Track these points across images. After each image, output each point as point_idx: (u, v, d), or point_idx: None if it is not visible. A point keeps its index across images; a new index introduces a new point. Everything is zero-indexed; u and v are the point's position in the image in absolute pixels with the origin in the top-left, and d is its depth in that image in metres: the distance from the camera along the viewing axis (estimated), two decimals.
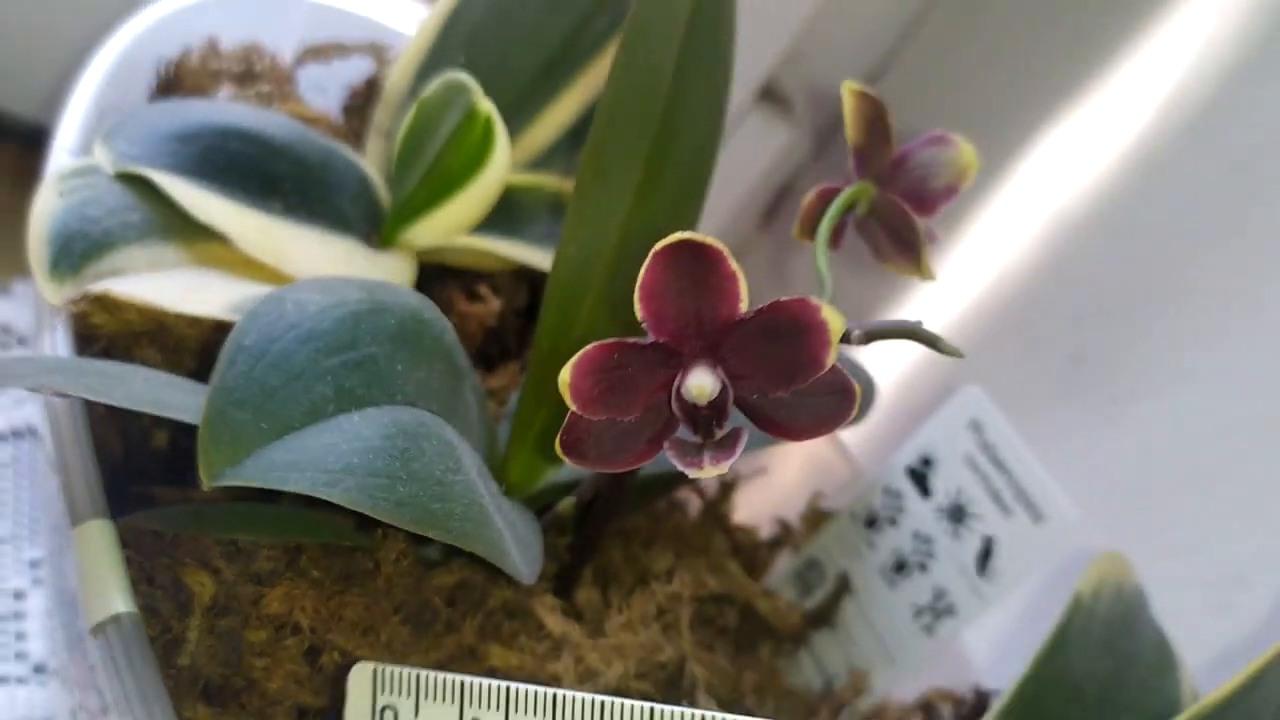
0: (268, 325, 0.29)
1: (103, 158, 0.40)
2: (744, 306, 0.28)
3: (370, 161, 0.51)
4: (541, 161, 0.54)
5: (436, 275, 0.51)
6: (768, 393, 0.29)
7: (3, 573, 0.55)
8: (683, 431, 0.30)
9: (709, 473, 0.28)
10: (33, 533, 0.58)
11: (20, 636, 0.54)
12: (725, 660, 0.41)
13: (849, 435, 0.52)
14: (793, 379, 0.29)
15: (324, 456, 0.28)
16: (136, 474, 0.39)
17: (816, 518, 0.50)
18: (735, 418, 0.30)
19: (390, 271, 0.46)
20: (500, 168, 0.45)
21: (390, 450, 0.29)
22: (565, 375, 0.28)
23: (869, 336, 0.33)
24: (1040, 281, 0.60)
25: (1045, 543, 0.42)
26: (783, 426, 0.30)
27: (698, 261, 0.28)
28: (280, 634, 0.35)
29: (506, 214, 0.49)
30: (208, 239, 0.41)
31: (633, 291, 0.32)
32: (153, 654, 0.30)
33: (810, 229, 0.40)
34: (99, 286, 0.36)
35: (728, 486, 0.50)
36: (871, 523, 0.47)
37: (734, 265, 0.28)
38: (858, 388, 0.30)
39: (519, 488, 0.42)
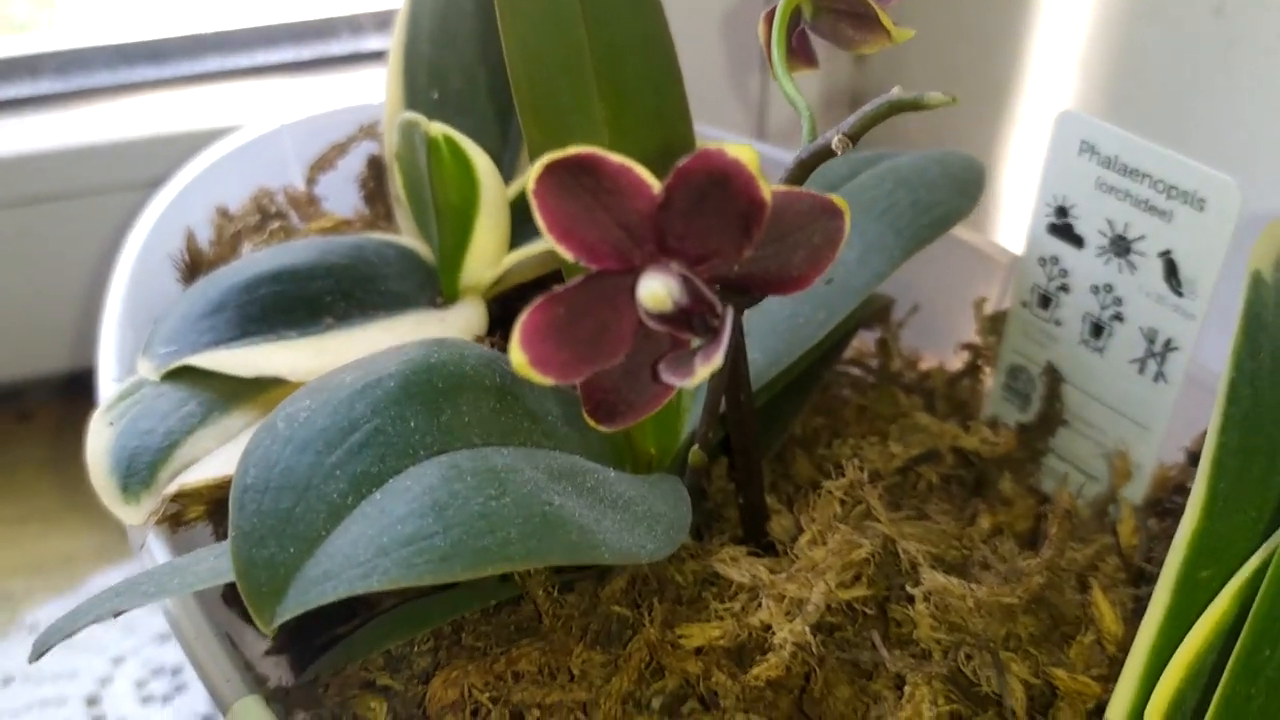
0: (263, 454, 0.28)
1: (146, 369, 0.41)
2: (656, 186, 0.25)
3: (407, 232, 0.50)
4: None
5: (517, 298, 0.49)
6: (740, 257, 0.26)
7: None
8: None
9: (704, 374, 0.25)
10: None
11: None
12: (947, 519, 0.37)
13: (993, 230, 0.47)
14: (749, 232, 0.25)
15: (354, 552, 0.26)
16: (318, 625, 0.39)
17: (991, 323, 0.45)
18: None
19: (462, 323, 0.45)
20: (491, 177, 0.43)
21: (419, 511, 0.27)
22: (519, 356, 0.25)
23: (852, 136, 0.29)
24: None
25: (1220, 225, 0.36)
26: (783, 279, 0.27)
27: (581, 174, 0.25)
28: (477, 717, 0.34)
29: None
30: (270, 387, 0.41)
31: None
32: None
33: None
34: (174, 486, 0.36)
35: (883, 342, 0.45)
36: (1045, 301, 0.42)
37: (615, 158, 0.25)
38: (836, 199, 0.26)
39: (662, 458, 0.39)
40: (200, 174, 0.50)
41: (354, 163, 0.53)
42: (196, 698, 0.62)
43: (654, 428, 0.39)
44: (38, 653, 0.29)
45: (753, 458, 0.38)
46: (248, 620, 0.39)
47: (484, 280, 0.46)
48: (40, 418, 0.82)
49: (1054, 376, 0.42)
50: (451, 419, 0.31)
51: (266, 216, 0.50)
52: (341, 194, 0.53)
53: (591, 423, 0.29)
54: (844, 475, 0.37)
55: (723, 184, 0.24)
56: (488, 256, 0.45)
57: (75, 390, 0.85)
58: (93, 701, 0.63)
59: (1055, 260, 0.41)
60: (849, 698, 0.34)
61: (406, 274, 0.47)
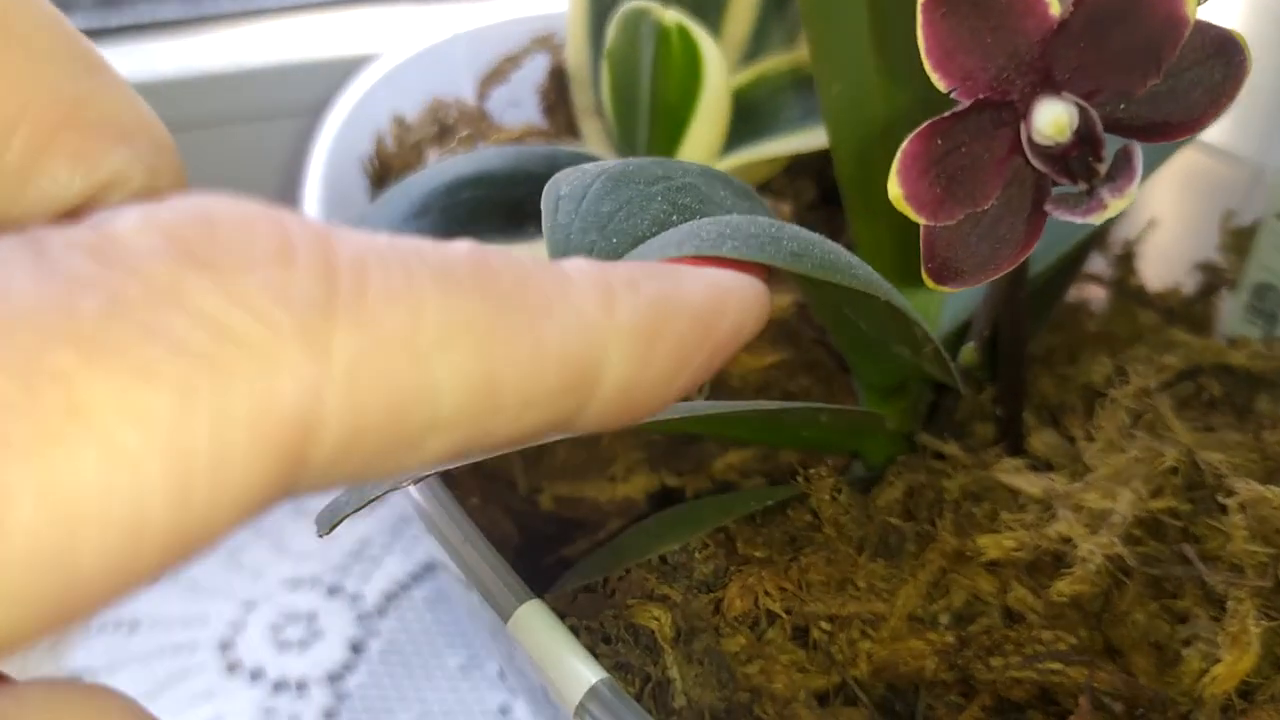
0: (574, 178, 0.25)
1: None
2: (1054, 8, 0.22)
3: (594, 143, 0.48)
4: (751, 52, 0.49)
5: None
6: (1134, 93, 0.23)
7: (480, 695, 0.55)
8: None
9: (1117, 206, 0.22)
10: (488, 649, 0.58)
11: None
12: (1235, 433, 0.35)
13: (1223, 136, 0.44)
14: (1158, 58, 0.22)
15: (695, 231, 0.23)
16: (541, 545, 0.37)
17: (1237, 239, 0.42)
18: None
19: None
20: (717, 73, 0.40)
21: (756, 230, 0.23)
22: (895, 189, 0.23)
23: None
24: None
25: None
26: (1173, 123, 0.24)
27: None
28: (757, 629, 0.31)
29: (748, 118, 0.45)
30: None
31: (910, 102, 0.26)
32: (643, 709, 0.27)
33: None
34: None
35: (1127, 257, 0.43)
36: None
37: None
38: (1238, 34, 0.24)
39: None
40: (375, 84, 0.47)
41: (526, 75, 0.50)
42: (334, 644, 0.60)
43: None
44: (328, 526, 0.27)
45: (1021, 363, 0.35)
46: None
47: None
48: None
49: None
50: (751, 209, 0.28)
51: (445, 127, 0.48)
52: (511, 107, 0.50)
53: (931, 284, 0.26)
54: (1128, 382, 0.34)
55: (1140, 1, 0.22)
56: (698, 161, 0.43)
57: None
58: (226, 646, 0.61)
59: None
60: (1150, 617, 0.32)
61: None
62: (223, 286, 0.12)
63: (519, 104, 0.50)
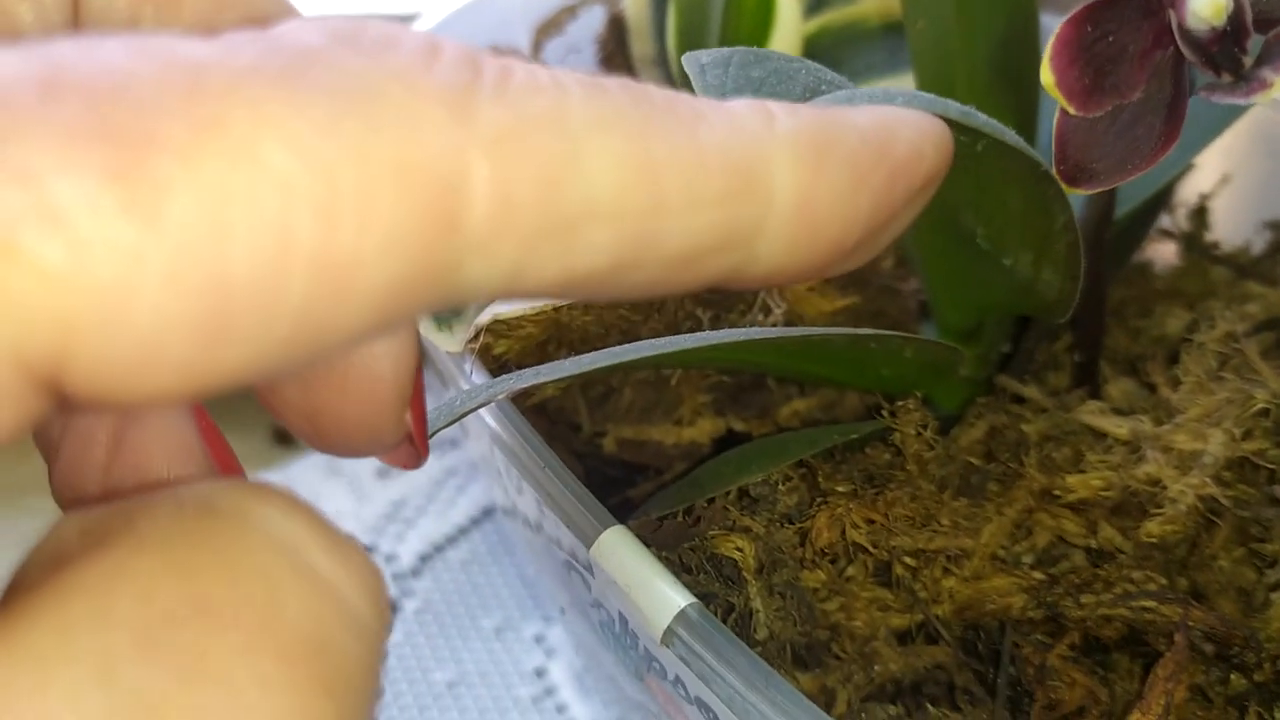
0: (710, 52, 0.25)
1: None
2: None
3: None
4: (813, 4, 0.48)
5: None
6: None
7: (515, 657, 0.55)
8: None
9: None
10: (523, 612, 0.57)
11: (561, 709, 0.53)
12: None
13: None
14: None
15: (856, 95, 0.22)
16: (605, 488, 0.36)
17: None
18: None
19: None
20: (793, 14, 0.40)
21: (915, 92, 0.23)
22: (1047, 75, 0.22)
23: None
24: None
25: None
26: None
27: None
28: (838, 566, 0.31)
29: None
30: None
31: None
32: (733, 634, 0.26)
33: None
34: (488, 315, 0.34)
35: (1200, 211, 0.42)
36: None
37: None
38: None
39: None
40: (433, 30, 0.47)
41: (583, 24, 0.50)
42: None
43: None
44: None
45: (1102, 308, 0.35)
46: None
47: None
48: None
49: None
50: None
51: None
52: (571, 54, 0.50)
53: (1064, 187, 0.25)
54: (1213, 328, 0.34)
55: None
56: None
57: None
58: None
59: None
60: (1235, 562, 0.31)
61: None
62: (370, 58, 0.13)
63: (578, 50, 0.49)
